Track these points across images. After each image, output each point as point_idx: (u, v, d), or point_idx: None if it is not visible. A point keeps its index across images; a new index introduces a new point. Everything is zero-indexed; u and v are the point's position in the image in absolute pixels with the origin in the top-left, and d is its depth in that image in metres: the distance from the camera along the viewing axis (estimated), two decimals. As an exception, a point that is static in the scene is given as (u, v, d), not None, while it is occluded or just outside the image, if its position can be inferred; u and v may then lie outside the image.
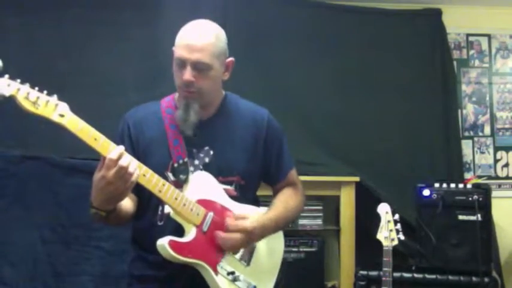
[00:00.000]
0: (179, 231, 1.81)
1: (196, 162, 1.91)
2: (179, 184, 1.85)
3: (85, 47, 3.59)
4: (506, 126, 4.06)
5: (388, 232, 2.75)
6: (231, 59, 1.99)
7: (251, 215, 1.90)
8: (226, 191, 1.94)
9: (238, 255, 1.90)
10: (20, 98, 1.56)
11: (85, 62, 3.57)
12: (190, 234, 1.81)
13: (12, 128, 3.45)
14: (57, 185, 3.35)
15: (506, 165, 4.04)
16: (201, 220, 1.83)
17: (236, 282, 1.87)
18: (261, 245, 1.97)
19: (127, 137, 1.95)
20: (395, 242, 2.75)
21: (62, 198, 3.34)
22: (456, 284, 3.17)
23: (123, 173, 1.61)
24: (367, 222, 3.39)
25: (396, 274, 3.02)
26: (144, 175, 1.71)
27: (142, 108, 2.04)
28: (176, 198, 1.78)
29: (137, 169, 1.65)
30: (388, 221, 2.77)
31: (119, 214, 1.80)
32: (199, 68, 1.85)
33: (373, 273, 3.20)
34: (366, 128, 3.82)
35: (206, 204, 1.86)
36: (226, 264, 1.86)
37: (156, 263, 1.87)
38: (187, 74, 1.85)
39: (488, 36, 4.11)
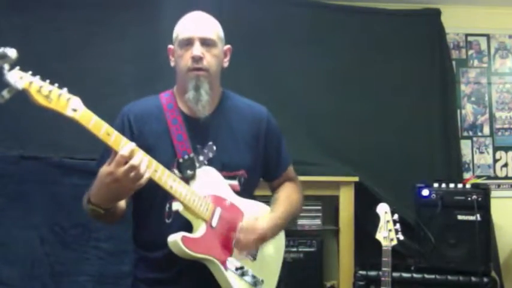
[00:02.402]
0: (187, 228, 1.80)
1: (201, 158, 1.91)
2: (186, 180, 1.83)
3: (84, 47, 3.58)
4: (505, 126, 4.06)
5: (387, 232, 2.75)
6: (228, 46, 2.03)
7: (262, 216, 1.93)
8: (230, 186, 1.94)
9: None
10: (33, 92, 1.51)
11: (84, 62, 3.57)
12: (201, 230, 1.80)
13: (11, 129, 3.45)
14: (55, 185, 3.35)
15: (506, 165, 4.04)
16: (210, 216, 1.83)
17: (244, 277, 1.88)
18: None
19: (128, 130, 1.91)
20: (395, 242, 2.75)
21: (60, 198, 3.33)
22: (455, 284, 3.17)
23: (133, 172, 1.58)
24: (366, 222, 3.40)
25: (395, 274, 3.02)
26: (155, 171, 1.68)
27: (142, 103, 2.02)
28: (187, 194, 1.77)
29: (147, 170, 1.62)
30: (387, 221, 2.77)
31: (115, 212, 1.79)
32: (207, 43, 1.89)
33: (372, 273, 3.20)
34: (365, 127, 3.81)
35: (214, 199, 1.86)
36: (234, 260, 1.86)
37: (160, 263, 1.86)
38: (197, 49, 1.87)
39: (487, 36, 4.11)
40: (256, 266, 1.93)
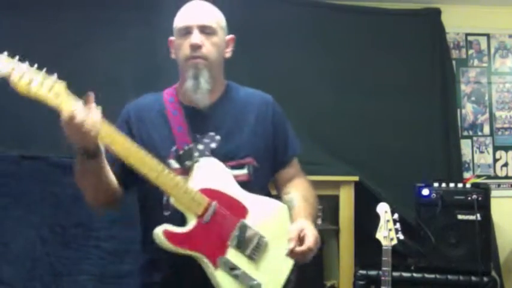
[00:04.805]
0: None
1: (201, 147, 1.86)
2: (185, 171, 1.80)
3: (83, 47, 3.58)
4: (506, 125, 4.05)
5: (387, 231, 2.75)
6: (231, 36, 2.00)
7: (306, 226, 1.81)
8: (237, 177, 1.86)
9: (244, 250, 1.81)
10: (15, 79, 1.52)
11: (83, 61, 3.57)
12: (190, 224, 1.75)
13: (11, 128, 3.45)
14: (56, 185, 3.35)
15: (506, 164, 4.04)
16: (202, 210, 1.76)
17: (238, 278, 1.77)
18: (274, 242, 1.85)
19: (125, 123, 1.92)
20: (395, 242, 2.75)
21: (60, 198, 3.34)
22: (455, 284, 3.17)
23: (79, 131, 1.62)
24: (366, 221, 3.39)
25: (395, 273, 3.02)
26: (141, 158, 1.69)
27: (144, 98, 2.02)
28: (177, 185, 1.73)
29: (95, 125, 1.63)
30: (387, 221, 2.77)
31: (101, 169, 1.75)
32: (206, 31, 1.86)
33: (373, 272, 3.20)
34: (365, 127, 3.81)
35: (211, 193, 1.79)
36: (229, 259, 1.77)
37: (162, 263, 1.83)
38: (195, 37, 1.84)
39: (487, 35, 4.11)
40: (255, 268, 1.82)
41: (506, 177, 4.03)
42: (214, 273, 1.75)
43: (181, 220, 1.77)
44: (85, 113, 1.62)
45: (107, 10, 3.60)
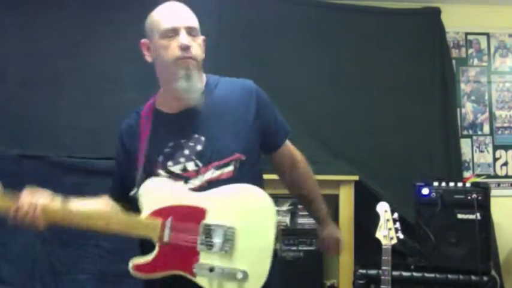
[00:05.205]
0: None
1: (187, 152, 1.86)
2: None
3: (84, 46, 3.59)
4: (505, 125, 4.05)
5: (387, 231, 2.75)
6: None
7: (328, 221, 2.22)
8: (221, 175, 1.85)
9: (214, 248, 1.79)
10: None
11: (84, 61, 3.58)
12: (155, 249, 1.80)
13: (10, 128, 3.45)
14: (55, 184, 3.29)
15: (505, 164, 4.03)
16: (159, 233, 1.79)
17: (221, 276, 1.77)
18: (242, 227, 1.82)
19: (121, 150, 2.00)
20: (394, 241, 2.75)
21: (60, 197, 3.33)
22: (455, 283, 3.17)
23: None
24: (366, 221, 3.39)
25: (395, 273, 3.02)
26: (86, 214, 1.84)
27: (124, 124, 2.03)
28: (127, 223, 1.80)
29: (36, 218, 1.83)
30: (387, 220, 2.76)
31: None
32: (192, 33, 1.86)
33: (372, 272, 3.20)
34: (365, 126, 3.81)
35: (161, 212, 1.81)
36: (203, 262, 1.78)
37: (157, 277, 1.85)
38: (184, 38, 1.84)
39: (487, 35, 4.11)
40: (233, 259, 1.79)
41: (506, 176, 4.03)
42: (197, 281, 1.77)
43: None
44: (22, 212, 1.84)
45: (106, 10, 3.60)
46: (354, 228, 3.54)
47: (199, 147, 1.87)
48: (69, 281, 3.34)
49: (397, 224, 2.76)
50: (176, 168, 1.85)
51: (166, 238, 1.79)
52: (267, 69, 3.69)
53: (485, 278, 3.13)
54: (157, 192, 1.84)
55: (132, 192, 1.83)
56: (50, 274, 3.33)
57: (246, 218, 1.83)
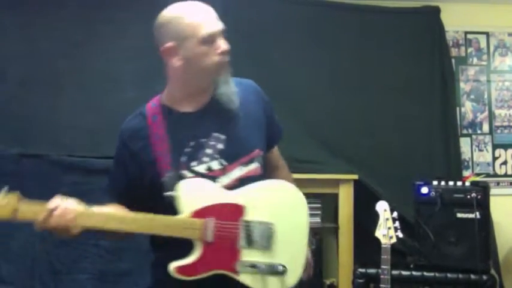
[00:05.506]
0: None
1: (209, 151, 1.84)
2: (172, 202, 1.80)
3: (84, 45, 3.59)
4: (505, 123, 4.05)
5: (387, 230, 2.75)
6: None
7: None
8: (250, 172, 1.87)
9: (254, 245, 1.81)
10: None
11: (84, 60, 3.58)
12: (197, 250, 1.76)
13: (10, 127, 3.45)
14: (55, 183, 3.34)
15: (505, 162, 4.04)
16: (201, 233, 1.76)
17: (263, 272, 1.79)
18: (278, 222, 1.85)
19: (126, 155, 1.92)
20: (394, 240, 2.75)
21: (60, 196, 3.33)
22: (454, 282, 3.17)
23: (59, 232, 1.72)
24: (365, 220, 3.40)
25: (395, 272, 3.03)
26: (132, 218, 1.76)
27: (130, 121, 1.94)
28: (168, 224, 1.76)
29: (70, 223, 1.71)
30: (387, 219, 2.76)
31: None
32: (223, 36, 1.86)
33: (372, 270, 3.21)
34: (364, 125, 3.82)
35: (202, 212, 1.78)
36: (245, 259, 1.79)
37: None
38: (225, 44, 1.84)
39: (487, 33, 4.10)
40: (272, 255, 1.83)
41: (506, 175, 4.03)
42: (240, 279, 1.78)
43: None
44: (56, 215, 1.72)
45: (107, 9, 3.60)
46: (353, 227, 3.54)
47: (221, 146, 1.86)
48: (69, 280, 3.35)
49: (397, 223, 2.76)
50: (201, 168, 1.83)
51: (209, 238, 1.77)
52: (267, 69, 3.69)
53: (484, 277, 3.14)
54: (195, 193, 1.80)
55: (168, 194, 1.78)
56: (49, 273, 3.34)
57: (282, 213, 1.88)
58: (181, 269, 1.74)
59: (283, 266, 1.81)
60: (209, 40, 1.82)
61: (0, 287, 3.28)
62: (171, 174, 1.80)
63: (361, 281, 3.24)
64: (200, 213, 1.78)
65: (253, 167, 1.89)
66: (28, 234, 3.31)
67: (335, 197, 3.59)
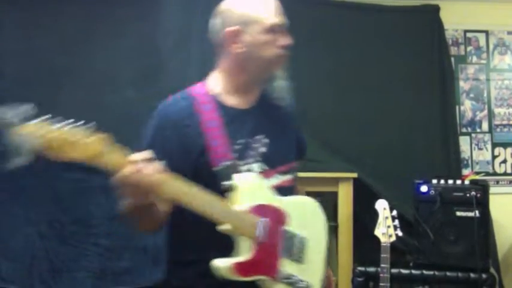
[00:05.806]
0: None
1: (252, 152, 1.77)
2: (225, 192, 1.67)
3: (82, 44, 3.57)
4: (504, 122, 4.06)
5: (386, 228, 2.75)
6: None
7: None
8: (284, 182, 1.82)
9: (291, 256, 1.75)
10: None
11: (82, 59, 3.56)
12: (249, 249, 1.65)
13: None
14: (54, 180, 3.34)
15: (504, 161, 4.04)
16: (255, 231, 1.66)
17: (293, 285, 1.73)
18: (312, 238, 1.83)
19: (159, 140, 1.75)
20: (393, 238, 2.76)
21: (59, 193, 3.33)
22: (454, 280, 3.17)
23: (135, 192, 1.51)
24: (365, 218, 3.40)
25: (394, 270, 3.02)
26: (185, 193, 1.56)
27: (175, 105, 1.80)
28: (229, 212, 1.62)
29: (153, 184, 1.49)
30: (386, 217, 2.77)
31: (153, 208, 1.63)
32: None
33: (371, 269, 3.21)
34: (363, 124, 3.81)
35: (258, 210, 1.69)
36: (283, 269, 1.72)
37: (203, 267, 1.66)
38: (289, 38, 1.82)
39: (486, 32, 4.11)
40: (302, 269, 1.77)
41: (505, 173, 4.03)
42: (276, 287, 1.71)
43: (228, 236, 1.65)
44: (142, 171, 1.48)
45: (106, 6, 3.59)
46: (352, 226, 3.54)
47: (263, 149, 1.79)
48: (68, 278, 3.34)
49: (396, 222, 2.76)
50: (243, 168, 1.74)
51: (261, 237, 1.67)
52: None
53: (484, 275, 3.14)
54: (252, 187, 1.71)
55: (227, 183, 1.66)
56: (49, 271, 3.33)
57: (311, 229, 1.86)
58: (239, 266, 1.61)
59: (309, 284, 1.78)
60: (274, 30, 1.80)
61: (0, 285, 3.28)
62: (226, 165, 1.70)
63: (360, 279, 3.24)
64: (255, 210, 1.69)
65: (288, 177, 1.85)
66: (27, 232, 3.31)
67: (334, 195, 3.59)
